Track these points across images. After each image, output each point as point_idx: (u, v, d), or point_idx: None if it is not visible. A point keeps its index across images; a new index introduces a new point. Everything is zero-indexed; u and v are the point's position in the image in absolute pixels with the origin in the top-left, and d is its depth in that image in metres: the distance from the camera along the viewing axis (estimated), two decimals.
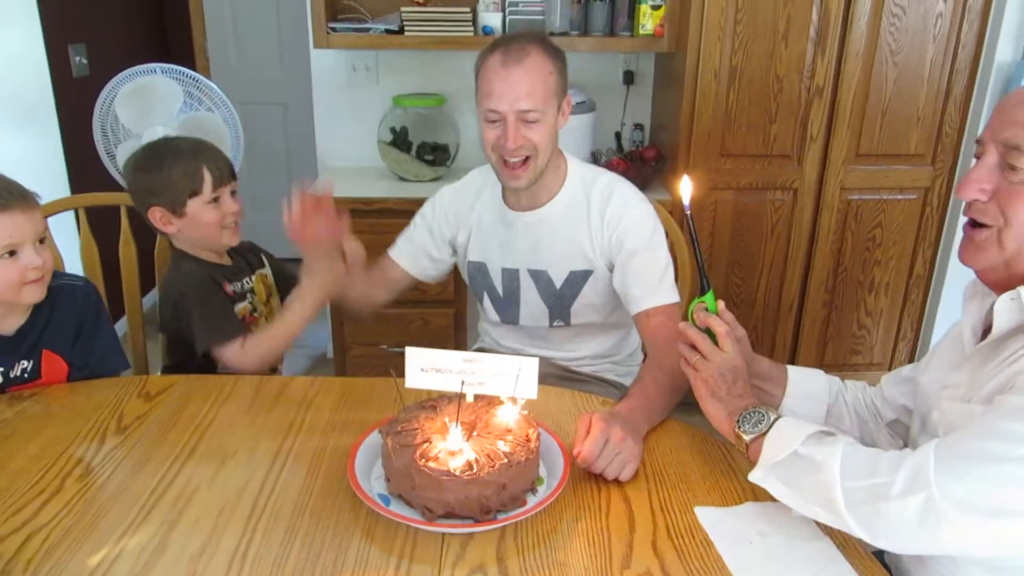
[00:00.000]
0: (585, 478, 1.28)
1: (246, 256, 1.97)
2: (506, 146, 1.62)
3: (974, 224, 1.14)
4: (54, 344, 1.62)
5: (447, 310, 2.96)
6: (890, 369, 3.15)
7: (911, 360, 3.18)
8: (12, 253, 1.48)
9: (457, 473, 1.13)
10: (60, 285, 1.63)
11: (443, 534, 1.14)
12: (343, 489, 1.23)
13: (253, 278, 1.95)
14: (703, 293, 1.29)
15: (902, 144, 2.86)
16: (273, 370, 2.06)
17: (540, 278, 1.80)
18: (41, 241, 1.53)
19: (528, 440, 1.22)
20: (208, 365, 1.81)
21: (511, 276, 1.83)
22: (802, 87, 2.76)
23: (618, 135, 3.29)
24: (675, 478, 1.30)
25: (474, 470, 1.14)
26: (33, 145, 2.93)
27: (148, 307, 2.45)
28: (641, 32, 2.91)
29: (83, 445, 1.37)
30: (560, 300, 1.81)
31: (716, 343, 1.27)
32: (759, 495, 1.23)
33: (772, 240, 2.96)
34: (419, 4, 2.98)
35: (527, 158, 1.65)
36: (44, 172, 2.96)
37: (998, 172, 1.10)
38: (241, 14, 4.36)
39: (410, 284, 1.96)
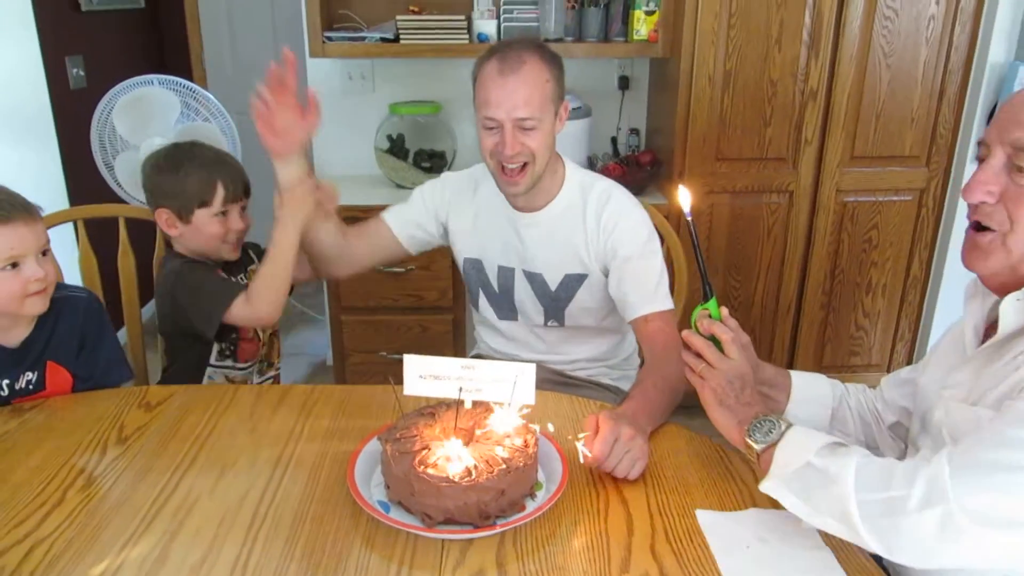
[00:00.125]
0: (584, 483, 1.29)
1: (240, 255, 1.98)
2: (504, 153, 1.63)
3: (978, 227, 1.12)
4: (58, 356, 1.63)
5: (446, 317, 2.97)
6: (889, 370, 3.16)
7: (909, 361, 3.18)
8: (15, 265, 1.49)
9: (456, 479, 1.14)
10: (63, 297, 1.65)
11: (443, 540, 1.15)
12: (343, 496, 1.24)
13: (246, 276, 1.97)
14: (706, 300, 1.27)
15: (897, 146, 2.87)
16: (271, 366, 2.07)
17: (535, 280, 1.82)
18: (44, 253, 1.54)
19: (526, 445, 1.23)
20: (203, 358, 1.84)
21: (507, 275, 1.85)
22: (796, 90, 2.77)
23: (614, 140, 3.30)
24: (673, 481, 1.30)
25: (473, 476, 1.15)
26: (31, 157, 2.93)
27: (147, 318, 2.46)
28: (635, 38, 2.92)
29: (84, 456, 1.37)
30: (555, 302, 1.82)
31: (721, 350, 1.25)
32: (762, 501, 1.23)
33: (769, 243, 2.97)
34: (414, 12, 3.00)
35: (525, 164, 1.66)
36: (43, 184, 2.97)
37: (1005, 174, 1.08)
38: (237, 24, 4.37)
39: (393, 251, 1.91)
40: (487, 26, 2.93)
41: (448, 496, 1.13)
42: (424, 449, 1.21)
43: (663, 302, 1.70)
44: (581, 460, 1.29)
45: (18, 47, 2.88)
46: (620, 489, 1.28)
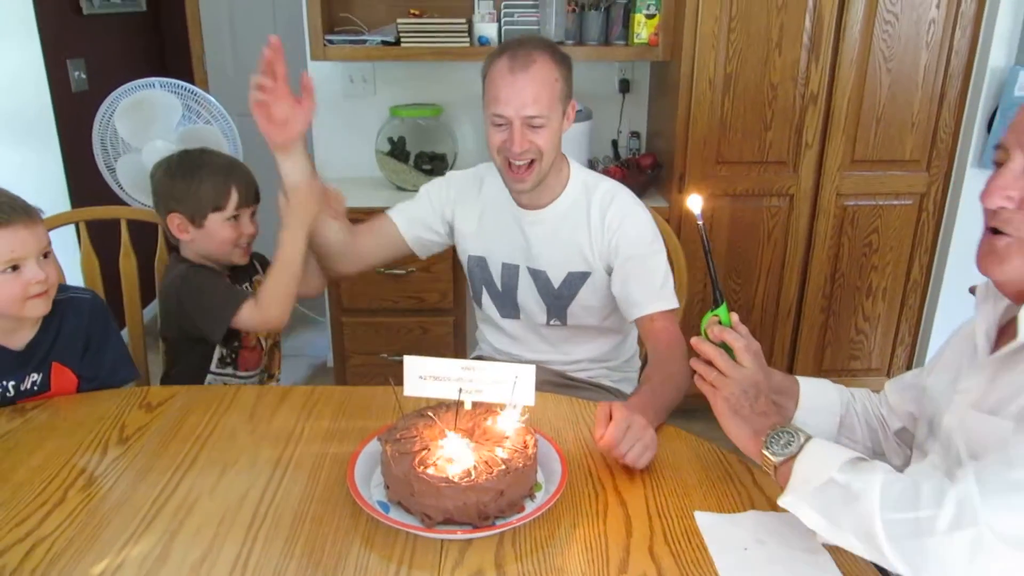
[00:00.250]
0: (583, 484, 1.29)
1: (246, 265, 1.99)
2: (512, 150, 1.65)
3: (995, 231, 1.09)
4: (63, 357, 1.63)
5: (446, 318, 2.98)
6: (889, 375, 3.16)
7: (910, 366, 3.18)
8: (15, 268, 1.49)
9: (455, 480, 1.14)
10: (67, 298, 1.65)
11: (442, 540, 1.15)
12: (343, 496, 1.24)
13: (251, 286, 1.97)
14: (716, 305, 1.23)
15: (897, 150, 2.87)
16: (271, 377, 2.07)
17: (539, 277, 1.83)
18: (45, 256, 1.54)
19: (526, 447, 1.23)
20: (204, 363, 1.85)
21: (510, 272, 1.86)
22: (796, 94, 2.77)
23: (615, 143, 3.31)
24: (672, 483, 1.31)
25: (472, 477, 1.15)
26: (33, 160, 2.94)
27: (148, 319, 2.47)
28: (636, 41, 2.93)
29: (85, 456, 1.38)
30: (558, 300, 1.83)
31: (733, 357, 1.20)
32: (760, 504, 1.24)
33: (769, 246, 2.98)
34: (415, 15, 3.00)
35: (532, 161, 1.68)
36: (44, 186, 2.97)
37: None
38: (238, 27, 4.38)
39: (399, 249, 1.91)
40: (488, 29, 2.94)
41: (447, 496, 1.14)
42: (424, 449, 1.21)
43: (669, 300, 1.72)
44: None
45: (20, 50, 2.89)
46: (619, 491, 1.28)
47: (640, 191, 2.82)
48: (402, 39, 2.91)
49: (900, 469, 1.19)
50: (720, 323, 1.22)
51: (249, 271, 2.00)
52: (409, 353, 1.31)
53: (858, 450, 1.29)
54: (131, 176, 2.62)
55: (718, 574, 1.09)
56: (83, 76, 3.49)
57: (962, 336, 1.26)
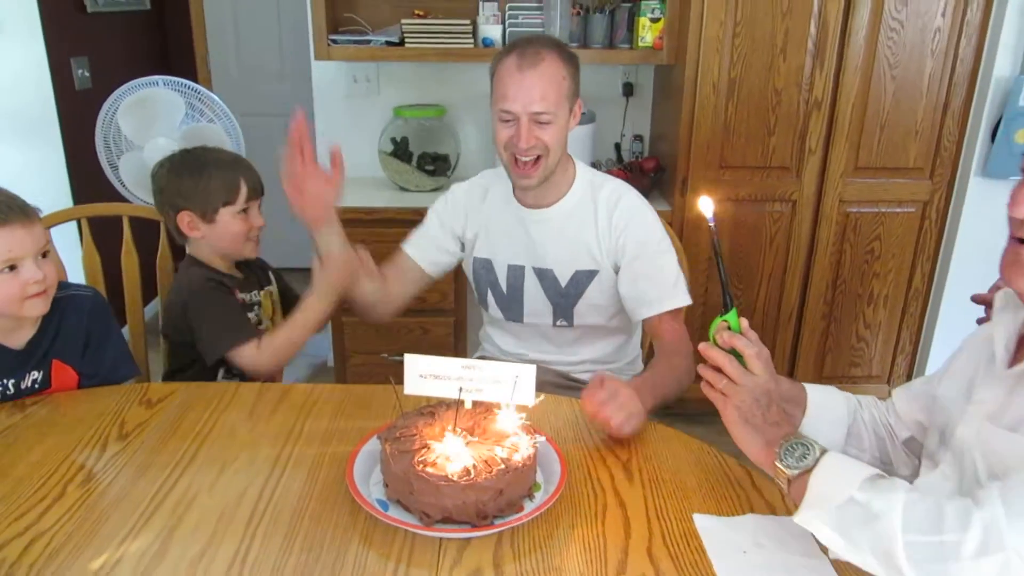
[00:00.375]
0: (582, 485, 1.29)
1: (255, 271, 2.00)
2: (519, 145, 1.67)
3: (1021, 240, 1.05)
4: (64, 355, 1.63)
5: (447, 319, 2.97)
6: (889, 382, 3.16)
7: (910, 373, 3.18)
8: (12, 268, 1.49)
9: (455, 478, 1.14)
10: (68, 296, 1.65)
11: (440, 539, 1.15)
12: (342, 494, 1.24)
13: (260, 294, 1.97)
14: (726, 311, 1.19)
15: (900, 157, 2.87)
16: (271, 378, 2.07)
17: (545, 276, 1.83)
18: (44, 255, 1.54)
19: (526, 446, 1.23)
20: (208, 369, 1.82)
21: (516, 273, 1.86)
22: (800, 100, 2.77)
23: (618, 146, 3.31)
24: (671, 486, 1.30)
25: (471, 475, 1.15)
26: (36, 157, 2.94)
27: (150, 316, 2.47)
28: (640, 44, 2.94)
29: (85, 452, 1.37)
30: (565, 299, 1.83)
31: (743, 364, 1.16)
32: (759, 507, 1.24)
33: (771, 252, 2.97)
34: (419, 16, 3.01)
35: (538, 157, 1.70)
36: (47, 184, 2.98)
37: None
38: (242, 26, 4.39)
39: (420, 279, 1.94)
40: (492, 31, 2.94)
41: (446, 495, 1.13)
42: (423, 448, 1.21)
43: (682, 297, 1.75)
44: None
45: (24, 48, 2.89)
46: (618, 492, 1.28)
47: (642, 194, 2.81)
48: (406, 40, 2.92)
49: (908, 479, 1.18)
50: (730, 328, 1.18)
51: (260, 280, 2.00)
52: (409, 353, 1.31)
53: (865, 459, 1.28)
54: (134, 174, 2.63)
55: None
56: (87, 74, 3.50)
57: (976, 344, 1.23)
